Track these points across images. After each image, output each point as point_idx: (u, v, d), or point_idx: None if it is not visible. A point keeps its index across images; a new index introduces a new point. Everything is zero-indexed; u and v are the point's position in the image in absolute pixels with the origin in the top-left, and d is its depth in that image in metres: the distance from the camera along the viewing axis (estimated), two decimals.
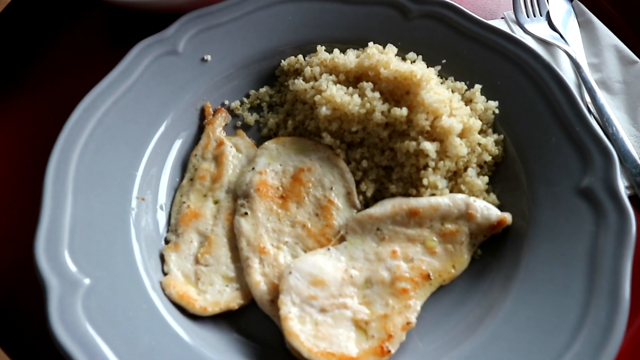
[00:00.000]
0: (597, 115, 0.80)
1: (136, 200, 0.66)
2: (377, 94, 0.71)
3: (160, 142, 0.72)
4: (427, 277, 0.64)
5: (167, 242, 0.67)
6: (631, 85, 0.84)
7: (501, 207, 0.68)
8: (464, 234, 0.66)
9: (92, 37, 0.92)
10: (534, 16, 0.93)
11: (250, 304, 0.63)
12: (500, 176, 0.72)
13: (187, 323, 0.60)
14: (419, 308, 0.62)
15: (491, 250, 0.67)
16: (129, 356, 0.54)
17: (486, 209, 0.66)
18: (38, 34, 0.92)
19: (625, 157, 0.76)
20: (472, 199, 0.67)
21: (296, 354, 0.58)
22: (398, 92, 0.71)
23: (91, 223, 0.62)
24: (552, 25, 0.91)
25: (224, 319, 0.62)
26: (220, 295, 0.62)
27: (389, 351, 0.58)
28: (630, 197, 0.65)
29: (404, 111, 0.68)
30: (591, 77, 0.84)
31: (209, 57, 0.78)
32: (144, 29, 0.79)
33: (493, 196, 0.70)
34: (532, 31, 0.90)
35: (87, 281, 0.57)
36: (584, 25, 0.92)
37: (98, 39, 0.92)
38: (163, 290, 0.62)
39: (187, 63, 0.77)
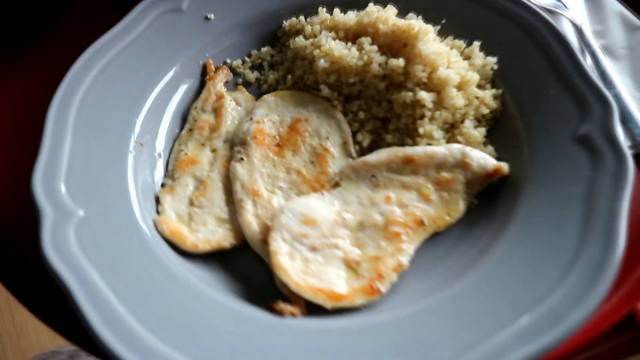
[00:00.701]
0: (600, 78, 0.79)
1: (134, 144, 0.68)
2: (374, 47, 0.71)
3: (161, 94, 0.73)
4: (421, 222, 0.63)
5: (163, 186, 0.68)
6: (635, 51, 0.83)
7: (498, 160, 0.67)
8: (460, 183, 0.65)
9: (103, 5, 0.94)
10: None
11: (242, 247, 0.63)
12: (499, 132, 0.71)
13: (178, 259, 0.61)
14: (411, 252, 0.61)
15: (487, 200, 0.66)
16: (117, 282, 0.54)
17: (482, 159, 0.66)
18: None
19: (627, 117, 0.74)
20: (468, 148, 0.66)
21: (285, 290, 0.58)
22: (396, 45, 0.71)
23: (88, 161, 0.63)
24: None
25: (215, 259, 0.62)
26: (212, 234, 0.63)
27: (379, 290, 0.58)
28: (634, 157, 0.64)
29: (400, 62, 0.69)
30: (594, 42, 0.84)
31: (212, 16, 0.79)
32: None
33: (490, 148, 0.69)
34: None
35: (81, 212, 0.58)
36: None
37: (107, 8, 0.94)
38: (155, 227, 0.62)
39: (191, 20, 0.78)
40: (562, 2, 0.89)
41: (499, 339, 0.49)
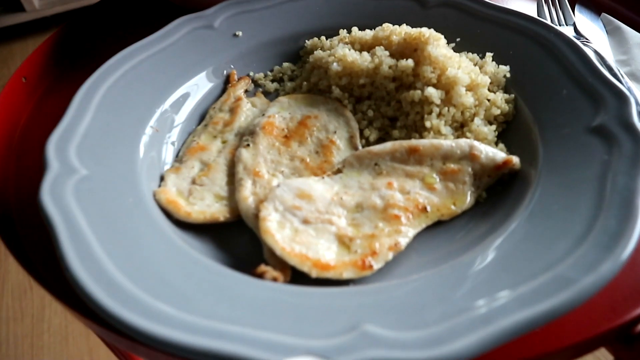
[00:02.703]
0: None
1: (150, 129, 0.71)
2: (386, 52, 0.74)
3: (184, 93, 0.78)
4: (424, 209, 0.60)
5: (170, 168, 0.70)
6: None
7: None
8: (467, 174, 0.63)
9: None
10: (559, 25, 0.95)
11: (237, 223, 0.62)
12: (511, 133, 0.70)
13: (169, 225, 0.60)
14: (410, 235, 0.57)
15: (497, 194, 0.62)
16: (102, 230, 0.54)
17: (491, 151, 0.63)
18: (119, 25, 1.06)
19: None
20: (476, 142, 0.64)
21: (272, 261, 0.55)
22: (407, 51, 0.74)
23: (103, 134, 0.66)
24: (577, 32, 0.92)
25: (207, 232, 0.61)
26: (208, 208, 0.62)
27: (371, 266, 0.53)
28: None
29: (410, 62, 0.70)
30: (619, 69, 0.82)
31: (240, 33, 0.86)
32: None
33: (501, 145, 0.67)
34: None
35: (84, 171, 0.60)
36: (612, 32, 0.93)
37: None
38: (153, 196, 0.63)
39: (220, 35, 0.85)
40: (584, 36, 0.90)
41: (498, 302, 0.44)
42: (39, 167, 0.60)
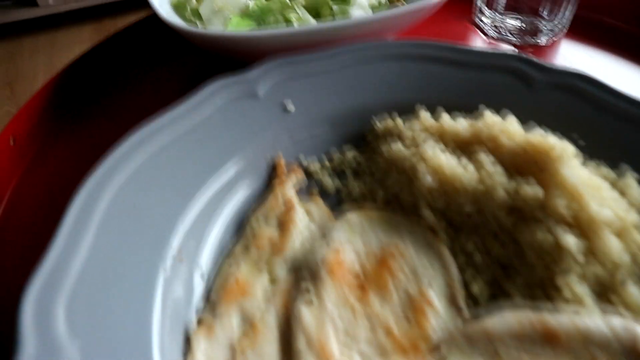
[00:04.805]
0: None
1: (172, 259, 0.51)
2: (499, 168, 0.54)
3: (215, 193, 0.58)
4: None
5: (199, 323, 0.50)
6: None
7: None
8: None
9: (176, 81, 0.85)
10: None
11: None
12: None
13: None
14: None
15: None
16: None
17: None
18: (126, 70, 0.86)
19: None
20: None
21: None
22: (527, 167, 0.54)
23: (106, 274, 0.46)
24: None
25: None
26: None
27: None
28: None
29: (538, 191, 0.51)
30: None
31: (290, 105, 0.66)
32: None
33: None
34: None
35: (74, 350, 0.40)
36: None
37: (179, 81, 0.84)
38: None
39: (265, 106, 0.65)
40: None
41: None
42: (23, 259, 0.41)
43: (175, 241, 0.52)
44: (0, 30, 3.19)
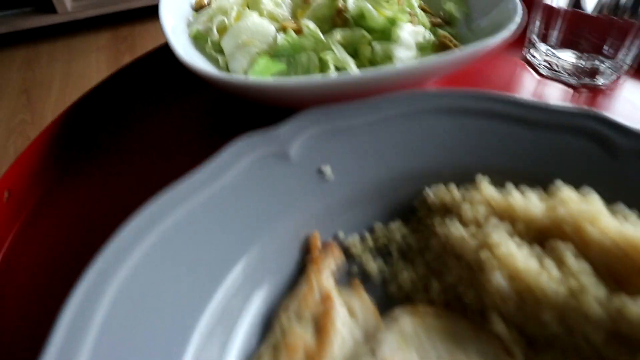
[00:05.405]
0: None
1: None
2: (586, 266, 0.44)
3: (238, 285, 0.48)
4: None
5: None
6: None
7: None
8: None
9: (194, 121, 0.76)
10: None
11: None
12: None
13: None
14: None
15: None
16: None
17: None
18: (135, 108, 0.78)
19: None
20: None
21: None
22: (622, 269, 0.44)
23: None
24: None
25: None
26: None
27: None
28: None
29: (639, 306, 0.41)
30: None
31: (327, 170, 0.56)
32: (253, 122, 0.62)
33: None
34: None
35: None
36: None
37: (199, 124, 0.75)
38: None
39: (297, 172, 0.55)
40: None
41: None
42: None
43: (191, 349, 0.43)
44: (18, 37, 3.16)
